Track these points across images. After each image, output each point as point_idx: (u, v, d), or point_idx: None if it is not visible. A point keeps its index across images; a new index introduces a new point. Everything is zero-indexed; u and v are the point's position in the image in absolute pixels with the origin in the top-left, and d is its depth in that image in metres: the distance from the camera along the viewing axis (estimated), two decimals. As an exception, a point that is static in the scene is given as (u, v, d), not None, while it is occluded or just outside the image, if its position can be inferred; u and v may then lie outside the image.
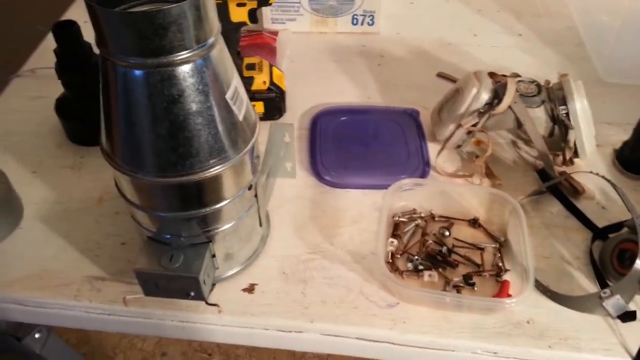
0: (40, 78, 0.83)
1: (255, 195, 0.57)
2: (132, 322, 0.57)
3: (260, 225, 0.61)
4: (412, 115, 0.79)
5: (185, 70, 0.44)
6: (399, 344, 0.56)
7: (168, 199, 0.51)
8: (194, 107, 0.46)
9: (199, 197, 0.51)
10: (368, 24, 0.94)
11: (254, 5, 0.68)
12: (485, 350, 0.55)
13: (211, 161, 0.48)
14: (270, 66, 0.78)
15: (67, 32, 0.66)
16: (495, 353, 0.55)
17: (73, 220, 0.64)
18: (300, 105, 0.81)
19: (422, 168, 0.72)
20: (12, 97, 0.81)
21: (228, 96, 0.48)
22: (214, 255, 0.56)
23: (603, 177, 0.65)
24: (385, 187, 0.69)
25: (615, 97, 0.83)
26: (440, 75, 0.88)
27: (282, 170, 0.68)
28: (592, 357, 0.55)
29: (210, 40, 0.45)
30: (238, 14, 0.68)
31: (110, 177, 0.68)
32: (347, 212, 0.67)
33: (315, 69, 0.88)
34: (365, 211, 0.67)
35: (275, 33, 0.91)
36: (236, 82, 0.49)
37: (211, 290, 0.57)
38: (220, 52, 0.47)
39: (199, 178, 0.49)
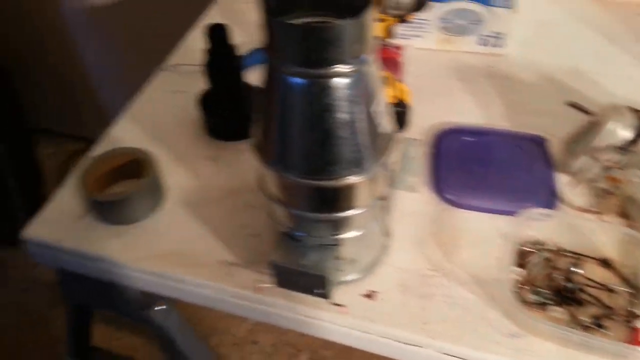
0: (182, 74, 0.90)
1: (385, 206, 0.58)
2: (258, 309, 0.61)
3: (384, 235, 0.62)
4: (539, 143, 0.78)
5: (342, 82, 0.47)
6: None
7: (307, 200, 0.54)
8: (345, 117, 0.48)
9: (336, 201, 0.54)
10: (496, 45, 0.93)
11: (392, 22, 0.70)
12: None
13: (353, 169, 0.51)
14: (396, 80, 0.80)
15: (218, 34, 0.71)
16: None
17: (210, 207, 0.69)
18: (423, 121, 0.82)
19: (549, 198, 0.71)
20: (156, 89, 0.88)
21: (375, 109, 0.50)
22: (340, 258, 0.58)
23: None
24: (508, 213, 0.69)
25: None
26: (571, 104, 0.85)
27: (404, 184, 0.69)
28: None
29: (368, 56, 0.47)
30: (376, 29, 0.71)
31: (245, 172, 0.74)
32: (468, 233, 0.67)
33: (439, 87, 0.89)
34: (486, 235, 0.67)
35: (399, 48, 0.92)
36: (382, 96, 0.51)
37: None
38: (374, 67, 0.49)
39: (340, 184, 0.51)
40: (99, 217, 0.66)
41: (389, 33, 0.72)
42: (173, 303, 0.77)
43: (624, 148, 0.67)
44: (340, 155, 0.49)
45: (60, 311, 1.45)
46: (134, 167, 0.69)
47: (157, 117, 0.83)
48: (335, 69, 0.45)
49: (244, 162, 0.75)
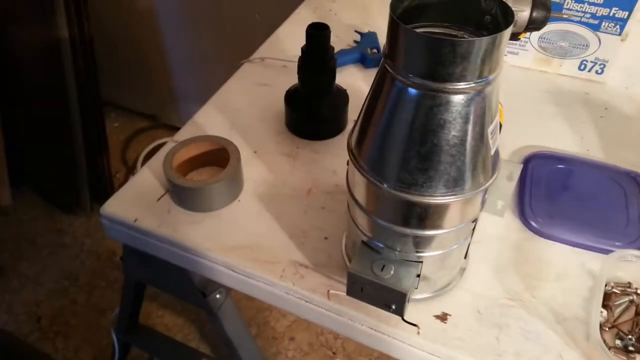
0: (268, 67, 0.90)
1: (473, 229, 0.56)
2: (325, 314, 0.59)
3: (465, 257, 0.60)
4: (636, 180, 0.73)
5: (460, 99, 0.44)
6: None
7: (398, 213, 0.52)
8: (458, 135, 0.46)
9: (426, 219, 0.51)
10: (596, 72, 0.88)
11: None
12: None
13: (454, 189, 0.48)
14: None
15: (319, 35, 0.70)
16: None
17: (284, 204, 0.68)
18: (512, 141, 0.78)
19: (641, 240, 0.66)
20: (242, 80, 0.88)
21: (489, 131, 0.47)
22: (418, 275, 0.56)
23: None
24: (596, 249, 0.65)
25: None
26: (674, 143, 0.79)
27: (491, 206, 0.66)
28: None
29: (492, 77, 0.44)
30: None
31: (322, 173, 0.73)
32: (552, 266, 0.63)
33: (532, 108, 0.85)
34: (572, 270, 0.63)
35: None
36: (497, 116, 0.49)
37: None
38: (495, 87, 0.46)
39: (437, 202, 0.49)
40: (178, 201, 0.67)
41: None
42: (228, 291, 0.77)
43: None
44: (444, 173, 0.47)
45: (106, 283, 1.50)
46: (217, 155, 0.69)
47: (241, 107, 0.83)
48: (459, 86, 0.43)
49: (321, 163, 0.74)
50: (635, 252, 0.61)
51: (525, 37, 0.87)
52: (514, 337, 0.56)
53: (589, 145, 0.79)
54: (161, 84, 1.83)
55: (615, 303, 0.60)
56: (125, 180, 1.77)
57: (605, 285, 0.61)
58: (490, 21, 0.47)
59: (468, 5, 0.47)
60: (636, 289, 0.61)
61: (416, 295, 0.59)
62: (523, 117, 0.83)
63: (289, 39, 0.97)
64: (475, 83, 0.43)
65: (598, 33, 0.83)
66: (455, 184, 0.48)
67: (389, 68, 0.46)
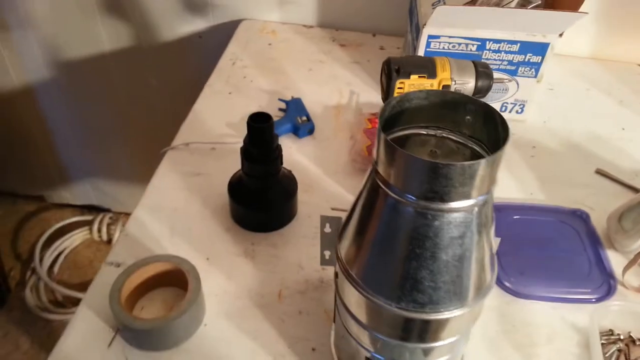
0: (195, 152, 0.82)
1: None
2: None
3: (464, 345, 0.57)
4: (583, 217, 0.76)
5: (466, 215, 0.42)
6: None
7: (397, 328, 0.48)
8: (458, 252, 0.44)
9: (430, 332, 0.48)
10: (517, 112, 0.92)
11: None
12: None
13: (456, 303, 0.46)
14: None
15: (263, 129, 0.64)
16: None
17: (257, 318, 0.61)
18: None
19: (607, 281, 0.68)
20: (169, 172, 0.79)
21: (487, 240, 0.45)
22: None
23: None
24: (570, 300, 0.66)
25: None
26: (600, 173, 0.85)
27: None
28: None
29: (485, 197, 0.42)
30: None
31: (285, 269, 0.67)
32: (539, 328, 0.63)
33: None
34: (557, 328, 0.63)
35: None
36: (493, 224, 0.47)
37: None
38: (489, 203, 0.45)
39: (432, 318, 0.46)
40: (136, 343, 0.57)
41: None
42: None
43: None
44: (445, 289, 0.44)
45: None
46: (170, 274, 0.60)
47: (177, 206, 0.74)
48: (457, 205, 0.40)
49: (284, 258, 0.68)
50: (617, 302, 0.63)
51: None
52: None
53: (531, 190, 0.81)
54: (47, 162, 1.63)
55: (606, 355, 0.61)
56: (23, 278, 1.54)
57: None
58: (471, 121, 0.45)
59: (451, 109, 0.45)
60: (619, 335, 0.62)
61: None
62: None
63: (209, 116, 0.89)
64: (474, 201, 0.41)
65: (516, 77, 0.87)
66: (457, 298, 0.45)
67: (385, 188, 0.42)
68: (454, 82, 0.63)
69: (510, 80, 0.77)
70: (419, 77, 0.63)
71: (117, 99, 1.37)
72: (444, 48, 0.84)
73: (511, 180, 0.82)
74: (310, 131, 0.87)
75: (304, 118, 0.88)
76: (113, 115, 1.41)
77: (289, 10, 1.14)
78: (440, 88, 0.63)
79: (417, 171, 0.40)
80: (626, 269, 0.69)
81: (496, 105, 0.91)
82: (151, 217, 0.72)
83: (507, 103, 0.91)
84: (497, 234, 0.72)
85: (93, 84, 1.35)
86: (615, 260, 0.70)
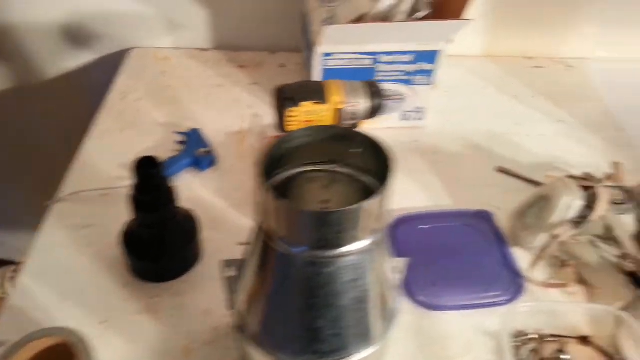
0: (86, 202, 0.76)
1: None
2: None
3: None
4: (487, 218, 0.77)
5: (355, 259, 0.41)
6: None
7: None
8: (358, 294, 0.43)
9: None
10: (417, 119, 0.92)
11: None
12: None
13: (362, 344, 0.45)
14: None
15: (152, 175, 0.60)
16: None
17: (165, 381, 0.57)
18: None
19: (516, 280, 0.70)
20: (56, 228, 0.72)
21: (387, 275, 0.44)
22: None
23: None
24: (481, 306, 0.66)
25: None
26: (500, 170, 0.87)
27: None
28: None
29: (376, 237, 0.41)
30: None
31: (191, 320, 0.63)
32: (455, 339, 0.63)
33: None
34: (471, 337, 0.63)
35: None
36: (391, 257, 0.46)
37: None
38: (383, 243, 0.44)
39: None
40: None
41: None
42: None
43: (579, 221, 0.68)
44: (348, 334, 0.43)
45: None
46: (57, 351, 0.54)
47: (67, 266, 0.68)
48: (349, 249, 0.38)
49: (188, 308, 0.63)
50: (525, 303, 0.65)
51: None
52: None
53: (437, 196, 0.82)
54: None
55: (518, 356, 0.61)
56: None
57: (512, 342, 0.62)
58: (360, 153, 0.44)
59: (339, 141, 0.43)
60: (528, 335, 0.63)
61: None
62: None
63: (99, 158, 0.83)
64: (366, 241, 0.39)
65: (412, 86, 0.87)
66: (362, 340, 0.44)
67: (271, 239, 0.39)
68: (347, 105, 0.62)
69: (403, 97, 0.77)
70: (311, 103, 0.61)
71: (8, 140, 1.26)
72: (338, 65, 0.83)
73: (416, 189, 0.82)
74: (212, 163, 0.83)
75: (205, 149, 0.84)
76: (4, 158, 1.30)
77: (180, 34, 1.09)
78: (334, 111, 0.61)
79: (302, 221, 0.38)
80: (532, 266, 0.70)
81: (396, 116, 0.91)
82: (37, 283, 0.65)
83: (407, 112, 0.91)
84: (404, 247, 0.72)
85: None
86: (523, 258, 0.72)
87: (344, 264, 0.40)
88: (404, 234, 0.74)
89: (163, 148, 0.85)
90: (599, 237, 0.76)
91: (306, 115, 0.60)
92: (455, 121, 0.96)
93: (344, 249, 0.39)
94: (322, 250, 0.38)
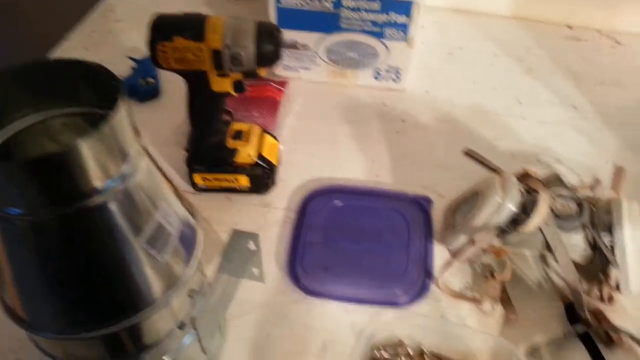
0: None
1: (195, 328, 0.46)
2: None
3: (205, 353, 0.50)
4: (423, 206, 0.66)
5: (101, 211, 0.34)
6: None
7: (92, 353, 0.42)
8: (115, 252, 0.37)
9: (125, 347, 0.42)
10: (393, 80, 0.81)
11: (238, 77, 0.58)
12: None
13: (141, 307, 0.39)
14: (263, 133, 0.67)
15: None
16: None
17: None
18: (297, 177, 0.70)
19: (423, 280, 0.60)
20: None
21: (144, 240, 0.38)
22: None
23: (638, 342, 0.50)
24: (375, 302, 0.58)
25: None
26: (468, 154, 0.74)
27: (249, 273, 0.57)
28: None
29: (135, 162, 0.35)
30: (220, 84, 0.58)
31: None
32: (319, 333, 0.56)
33: (324, 131, 0.77)
34: (341, 334, 0.56)
35: (283, 84, 0.80)
36: (162, 215, 0.39)
37: None
38: (146, 165, 0.37)
39: (105, 333, 0.39)
40: None
41: (239, 87, 0.59)
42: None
43: (507, 229, 0.56)
44: (118, 298, 0.38)
45: None
46: None
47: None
48: (83, 203, 0.33)
49: None
50: (405, 302, 0.56)
51: (311, 51, 0.78)
52: None
53: (380, 169, 0.72)
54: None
55: (384, 371, 0.53)
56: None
57: (375, 350, 0.54)
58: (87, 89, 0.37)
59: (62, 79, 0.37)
60: (407, 347, 0.54)
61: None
62: (313, 144, 0.75)
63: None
64: (109, 186, 0.33)
65: (383, 40, 0.76)
66: (120, 308, 0.38)
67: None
68: (227, 48, 0.54)
69: (305, 47, 0.66)
70: (184, 39, 0.53)
71: None
72: (297, 5, 0.73)
73: (360, 157, 0.73)
74: (153, 95, 0.79)
75: (150, 79, 0.80)
76: None
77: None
78: (210, 52, 0.54)
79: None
80: (442, 270, 0.60)
81: (368, 73, 0.81)
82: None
83: (379, 69, 0.80)
84: (311, 223, 0.64)
85: None
86: (441, 255, 0.62)
87: (78, 222, 0.34)
88: (316, 207, 0.66)
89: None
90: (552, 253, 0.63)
91: (179, 52, 0.53)
92: (443, 89, 0.83)
93: (70, 205, 0.33)
94: (42, 210, 0.33)
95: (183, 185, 0.67)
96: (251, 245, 0.52)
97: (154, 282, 0.39)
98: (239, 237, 0.52)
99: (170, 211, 0.40)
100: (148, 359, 0.44)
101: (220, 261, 0.50)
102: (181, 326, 0.44)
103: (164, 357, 0.45)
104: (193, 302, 0.44)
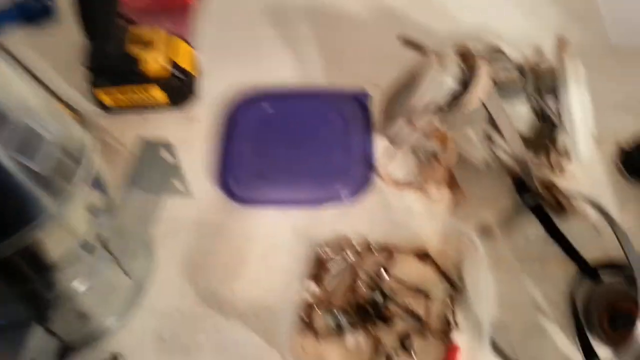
0: None
1: (108, 250, 0.41)
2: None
3: (129, 276, 0.46)
4: (361, 101, 0.61)
5: None
6: None
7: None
8: None
9: (12, 270, 0.36)
10: (317, -30, 0.73)
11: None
12: None
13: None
14: (171, 38, 0.59)
15: None
16: None
17: None
18: (221, 87, 0.63)
19: (365, 175, 0.56)
20: None
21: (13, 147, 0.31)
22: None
23: (595, 205, 0.48)
24: (316, 203, 0.54)
25: (629, 69, 0.64)
26: (404, 41, 0.68)
27: (172, 188, 0.52)
28: None
29: None
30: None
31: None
32: (259, 242, 0.52)
33: (247, 36, 0.70)
34: (282, 240, 0.52)
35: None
36: (32, 120, 0.32)
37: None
38: None
39: None
40: None
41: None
42: None
43: (447, 107, 0.52)
44: None
45: None
46: None
47: None
48: None
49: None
50: (348, 197, 0.52)
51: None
52: (204, 358, 0.45)
53: (311, 70, 0.66)
54: None
55: (329, 270, 0.50)
56: None
57: (318, 249, 0.50)
58: None
59: None
60: (353, 242, 0.51)
61: (82, 342, 0.45)
62: (238, 49, 0.68)
63: None
64: None
65: None
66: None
67: None
68: None
69: None
70: None
71: None
72: None
73: (289, 58, 0.66)
74: (47, 12, 0.69)
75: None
76: None
77: None
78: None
79: None
80: (384, 160, 0.56)
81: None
82: None
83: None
84: (242, 132, 0.59)
85: None
86: (381, 151, 0.57)
87: None
88: (244, 116, 0.60)
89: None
90: (497, 131, 0.60)
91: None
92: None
93: None
94: None
95: (91, 109, 0.60)
96: (167, 157, 0.47)
97: (36, 196, 0.33)
98: (151, 148, 0.46)
99: (45, 117, 0.34)
100: (58, 287, 0.39)
101: (130, 175, 0.44)
102: (86, 247, 0.39)
103: (74, 282, 0.40)
104: (97, 220, 0.39)
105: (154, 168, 0.47)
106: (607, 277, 0.49)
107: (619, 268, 0.47)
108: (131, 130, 0.58)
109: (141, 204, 0.47)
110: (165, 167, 0.47)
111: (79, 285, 0.40)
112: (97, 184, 0.39)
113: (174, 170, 0.48)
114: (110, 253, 0.41)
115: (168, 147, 0.45)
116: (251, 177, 0.55)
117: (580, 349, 0.45)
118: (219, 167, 0.56)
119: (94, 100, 0.59)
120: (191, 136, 0.59)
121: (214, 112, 0.61)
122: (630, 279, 0.43)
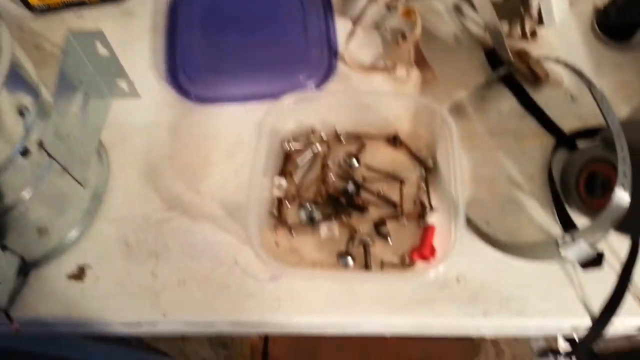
0: None
1: (51, 155, 0.37)
2: None
3: (82, 185, 0.42)
4: (318, -20, 0.56)
5: None
6: (287, 328, 0.42)
7: None
8: None
9: None
10: None
11: None
12: (401, 325, 0.42)
13: None
14: None
15: None
16: (414, 326, 0.42)
17: None
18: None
19: (328, 60, 0.52)
20: None
21: None
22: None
23: (570, 66, 0.45)
24: (277, 95, 0.50)
25: None
26: None
27: (117, 89, 0.47)
28: (541, 324, 0.42)
29: None
30: None
31: None
32: (221, 140, 0.48)
33: None
34: (246, 137, 0.48)
35: None
36: None
37: (17, 289, 0.41)
38: None
39: None
40: None
41: None
42: None
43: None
44: None
45: None
46: None
47: None
48: None
49: None
50: (311, 85, 0.48)
51: None
52: (175, 261, 0.43)
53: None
54: None
55: (297, 162, 0.47)
56: None
57: (285, 143, 0.47)
58: None
59: None
60: (320, 133, 0.48)
61: (42, 255, 0.43)
62: None
63: None
64: None
65: None
66: None
67: None
68: None
69: None
70: None
71: None
72: None
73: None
74: None
75: None
76: None
77: None
78: None
79: None
80: (347, 41, 0.52)
81: None
82: None
83: None
84: (187, 24, 0.53)
85: None
86: (345, 32, 0.53)
87: None
88: (188, 4, 0.54)
89: None
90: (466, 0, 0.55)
91: None
92: None
93: None
94: None
95: (18, 11, 0.53)
96: (101, 49, 0.41)
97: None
98: (80, 41, 0.41)
99: None
100: (6, 199, 0.36)
101: (60, 73, 0.39)
102: (25, 152, 0.35)
103: (22, 192, 0.36)
104: (32, 123, 0.35)
105: (89, 65, 0.42)
106: (583, 145, 0.47)
107: (596, 133, 0.46)
108: (65, 31, 0.52)
109: (84, 108, 0.43)
110: (102, 63, 0.42)
111: (25, 194, 0.37)
112: (23, 83, 0.34)
113: (115, 68, 0.43)
114: (55, 159, 0.37)
115: (99, 36, 0.40)
116: (204, 73, 0.50)
117: (558, 220, 0.44)
118: (168, 65, 0.51)
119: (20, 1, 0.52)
120: (133, 34, 0.54)
121: (155, 4, 0.55)
122: (608, 141, 0.41)
